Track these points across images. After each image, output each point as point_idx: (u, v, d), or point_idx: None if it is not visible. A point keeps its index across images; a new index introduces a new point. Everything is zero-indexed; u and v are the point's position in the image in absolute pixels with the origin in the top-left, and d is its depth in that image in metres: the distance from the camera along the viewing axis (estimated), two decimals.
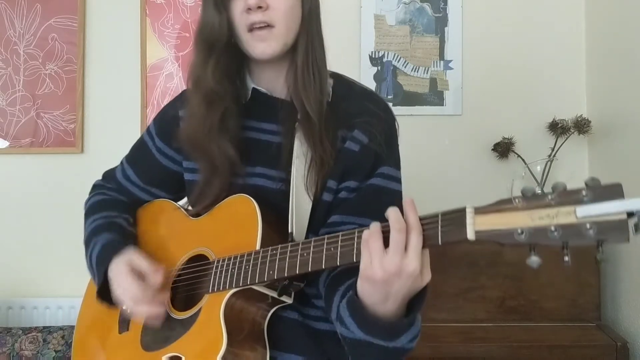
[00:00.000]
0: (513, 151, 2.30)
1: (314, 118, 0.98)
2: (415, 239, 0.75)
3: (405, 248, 0.75)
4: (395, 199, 0.99)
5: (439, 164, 2.38)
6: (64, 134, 2.46)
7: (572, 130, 2.22)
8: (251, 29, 0.96)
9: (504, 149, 2.30)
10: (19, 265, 2.44)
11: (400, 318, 0.81)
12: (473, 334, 1.93)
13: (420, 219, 0.76)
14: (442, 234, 0.73)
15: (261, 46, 0.97)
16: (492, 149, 2.34)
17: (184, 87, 2.60)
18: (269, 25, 0.96)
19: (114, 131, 2.45)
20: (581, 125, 2.21)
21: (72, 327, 2.18)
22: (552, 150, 2.24)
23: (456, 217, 0.72)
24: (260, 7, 0.94)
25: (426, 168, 2.27)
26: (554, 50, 2.39)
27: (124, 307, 1.01)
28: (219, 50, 0.98)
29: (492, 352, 1.85)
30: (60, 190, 2.44)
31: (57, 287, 2.41)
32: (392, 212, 0.77)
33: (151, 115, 2.45)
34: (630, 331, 2.02)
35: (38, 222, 2.46)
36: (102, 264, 1.04)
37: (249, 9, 0.95)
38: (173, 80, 2.47)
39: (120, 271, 1.01)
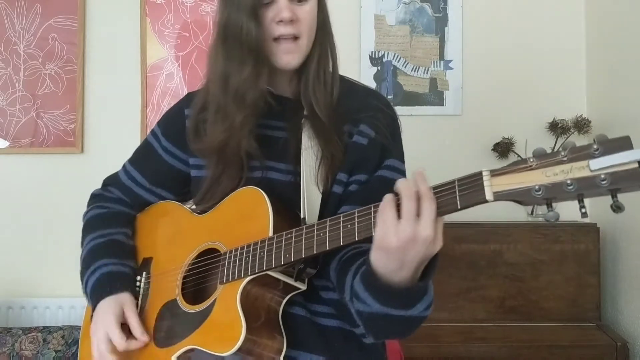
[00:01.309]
0: (513, 151, 2.30)
1: (323, 119, 1.00)
2: (428, 206, 0.76)
3: (419, 215, 0.76)
4: None
5: (439, 164, 2.36)
6: (64, 134, 2.46)
7: (572, 130, 2.23)
8: (277, 38, 0.98)
9: (504, 149, 2.30)
10: (19, 265, 2.44)
11: (415, 284, 0.81)
12: (473, 334, 1.93)
13: (437, 186, 0.77)
14: (461, 198, 0.74)
15: (287, 58, 0.99)
16: (492, 149, 2.34)
17: (184, 87, 2.60)
18: (295, 38, 0.98)
19: (114, 131, 2.45)
20: (581, 125, 2.21)
21: (72, 327, 2.20)
22: (552, 150, 2.24)
23: (473, 181, 0.73)
24: (291, 21, 0.97)
25: (426, 168, 2.26)
26: (554, 50, 2.39)
27: (93, 347, 1.03)
28: (257, 56, 0.98)
29: (492, 352, 1.85)
30: (60, 190, 2.44)
31: (57, 287, 2.41)
32: (401, 182, 0.78)
33: (151, 115, 2.45)
34: (630, 331, 2.02)
35: (38, 222, 2.46)
36: (96, 295, 1.06)
37: (280, 21, 0.96)
38: (173, 80, 2.47)
39: (108, 314, 1.02)
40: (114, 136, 2.44)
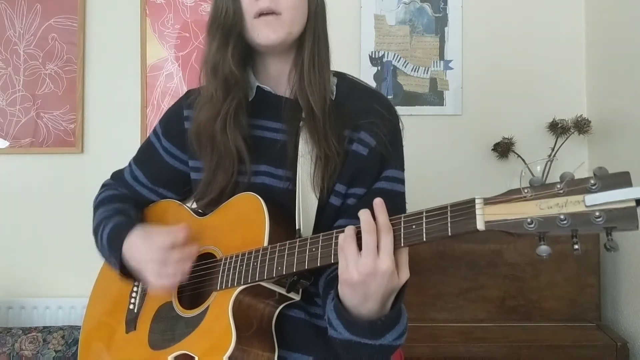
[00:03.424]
0: (513, 151, 2.30)
1: (317, 114, 0.98)
2: (385, 239, 0.77)
3: (378, 248, 0.77)
4: (399, 201, 1.00)
5: (439, 164, 2.38)
6: (64, 134, 2.46)
7: (572, 130, 2.22)
8: (258, 15, 0.97)
9: (504, 149, 2.30)
10: (19, 265, 2.44)
11: (382, 317, 0.82)
12: (473, 334, 1.93)
13: (430, 211, 0.76)
14: (452, 225, 0.73)
15: (266, 31, 0.97)
16: (492, 149, 2.34)
17: (184, 87, 2.61)
18: (275, 13, 0.97)
19: (114, 131, 2.45)
20: (581, 125, 2.21)
21: (72, 327, 2.19)
22: (552, 150, 2.24)
23: (465, 208, 0.72)
24: None
25: (426, 168, 2.27)
26: (554, 50, 2.39)
27: (148, 278, 0.98)
28: (236, 36, 0.99)
29: (492, 352, 1.85)
30: (60, 190, 2.45)
31: (57, 287, 2.41)
32: (362, 215, 0.80)
33: (151, 115, 2.45)
34: (630, 331, 2.02)
35: (38, 222, 2.46)
36: (116, 239, 1.04)
37: None
38: (173, 80, 2.47)
39: (136, 242, 1.01)
40: (114, 136, 2.44)
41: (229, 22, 0.98)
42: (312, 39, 1.01)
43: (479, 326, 1.98)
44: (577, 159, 2.32)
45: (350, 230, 0.80)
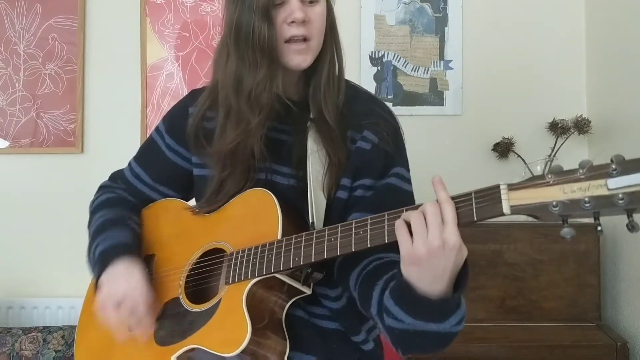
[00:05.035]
0: (513, 151, 2.30)
1: (331, 124, 1.00)
2: (451, 211, 0.76)
3: (443, 222, 0.76)
4: (409, 199, 1.02)
5: (438, 164, 2.37)
6: (64, 134, 2.46)
7: (572, 130, 2.22)
8: (289, 40, 0.97)
9: (504, 149, 2.30)
10: (19, 265, 2.44)
11: (450, 295, 0.80)
12: (473, 334, 1.93)
13: (454, 197, 0.77)
14: (477, 210, 0.75)
15: (298, 59, 0.98)
16: (492, 149, 2.34)
17: (184, 87, 2.60)
18: (306, 39, 0.98)
19: (114, 131, 2.45)
20: (581, 125, 2.21)
21: (72, 327, 2.19)
22: (552, 150, 2.25)
23: (490, 194, 0.74)
24: (303, 22, 0.96)
25: (426, 168, 2.26)
26: (554, 50, 2.39)
27: (106, 299, 1.00)
28: (270, 58, 0.97)
29: (492, 352, 1.85)
30: (60, 190, 2.44)
31: (57, 287, 2.41)
32: (416, 209, 0.79)
33: (151, 115, 2.45)
34: (630, 331, 2.02)
35: (38, 222, 2.46)
36: (115, 254, 1.04)
37: (292, 22, 0.96)
38: (173, 80, 2.47)
39: (134, 273, 1.02)
40: (114, 136, 2.44)
41: (266, 47, 0.95)
42: (330, 53, 1.03)
43: (479, 326, 1.98)
44: (577, 159, 2.29)
45: (409, 211, 0.79)
